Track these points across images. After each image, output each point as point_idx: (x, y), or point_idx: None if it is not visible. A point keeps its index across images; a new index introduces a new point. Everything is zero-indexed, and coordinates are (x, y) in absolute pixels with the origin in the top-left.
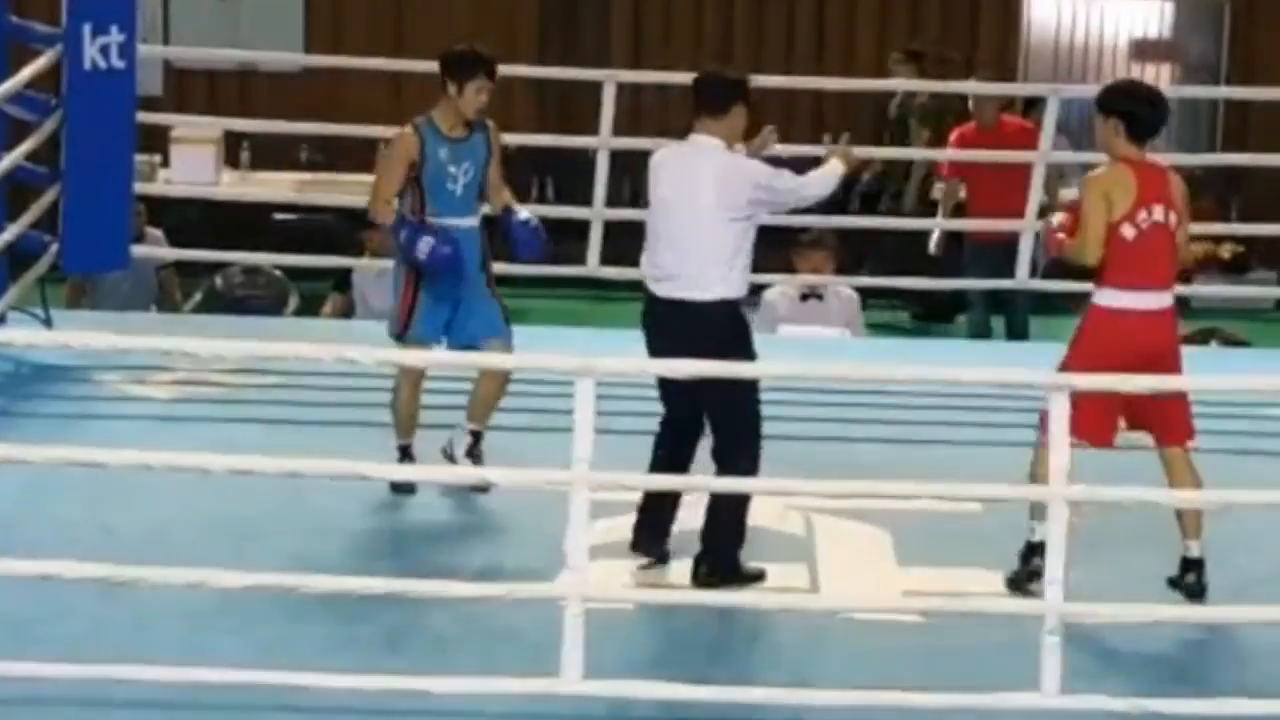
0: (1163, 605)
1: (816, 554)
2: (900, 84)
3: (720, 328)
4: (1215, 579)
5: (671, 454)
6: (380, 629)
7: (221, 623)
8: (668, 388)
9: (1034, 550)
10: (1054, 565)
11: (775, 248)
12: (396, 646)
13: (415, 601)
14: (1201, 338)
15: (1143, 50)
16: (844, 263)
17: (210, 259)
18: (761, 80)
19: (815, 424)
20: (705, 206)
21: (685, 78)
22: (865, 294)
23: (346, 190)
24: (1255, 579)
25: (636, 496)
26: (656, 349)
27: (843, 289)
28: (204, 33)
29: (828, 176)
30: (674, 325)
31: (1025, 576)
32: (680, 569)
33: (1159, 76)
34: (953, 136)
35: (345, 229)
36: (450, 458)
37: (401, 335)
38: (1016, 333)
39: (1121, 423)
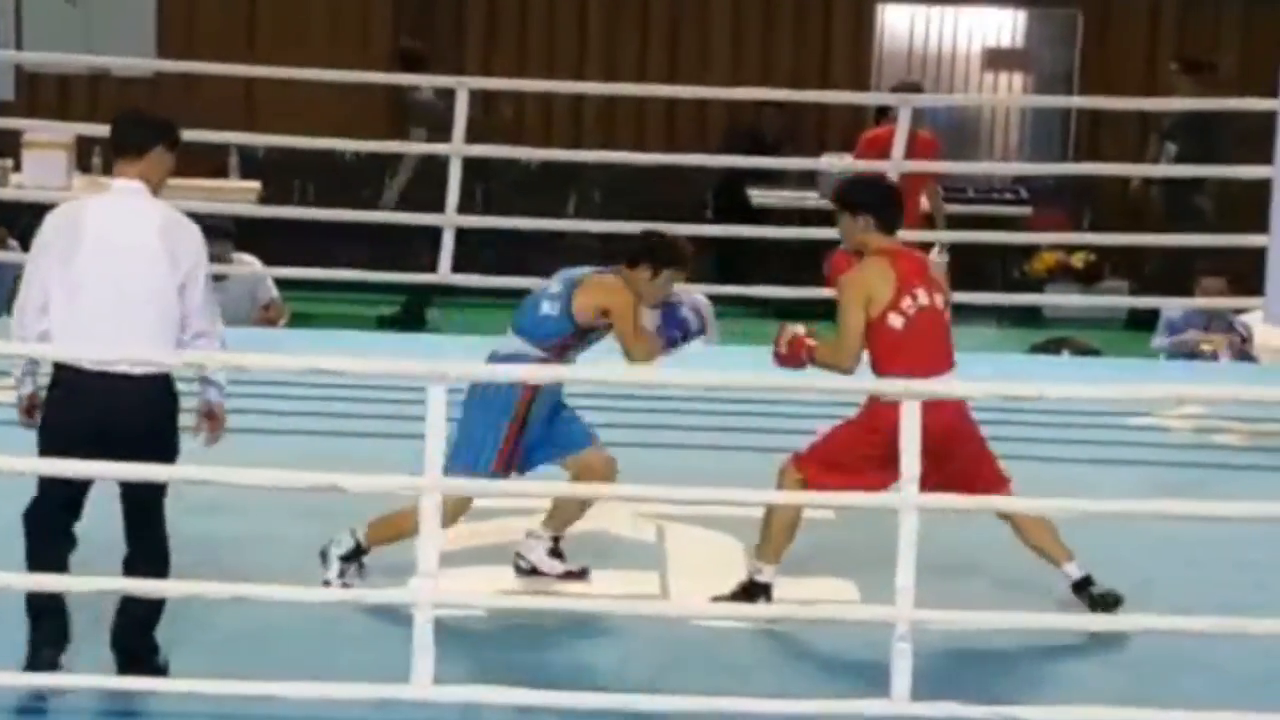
0: (1011, 613)
1: (668, 561)
2: (761, 93)
3: (160, 406)
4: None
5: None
6: (228, 633)
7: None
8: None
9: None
10: (904, 572)
11: None
12: (244, 651)
13: (264, 606)
14: (1053, 347)
15: (995, 59)
16: (698, 270)
17: None
18: (615, 88)
19: (666, 431)
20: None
21: (540, 85)
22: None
23: (197, 195)
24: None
25: (491, 503)
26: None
27: (697, 296)
28: (55, 37)
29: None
30: (103, 403)
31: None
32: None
33: (1011, 86)
34: (865, 138)
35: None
36: (530, 568)
37: (502, 474)
38: None
39: None
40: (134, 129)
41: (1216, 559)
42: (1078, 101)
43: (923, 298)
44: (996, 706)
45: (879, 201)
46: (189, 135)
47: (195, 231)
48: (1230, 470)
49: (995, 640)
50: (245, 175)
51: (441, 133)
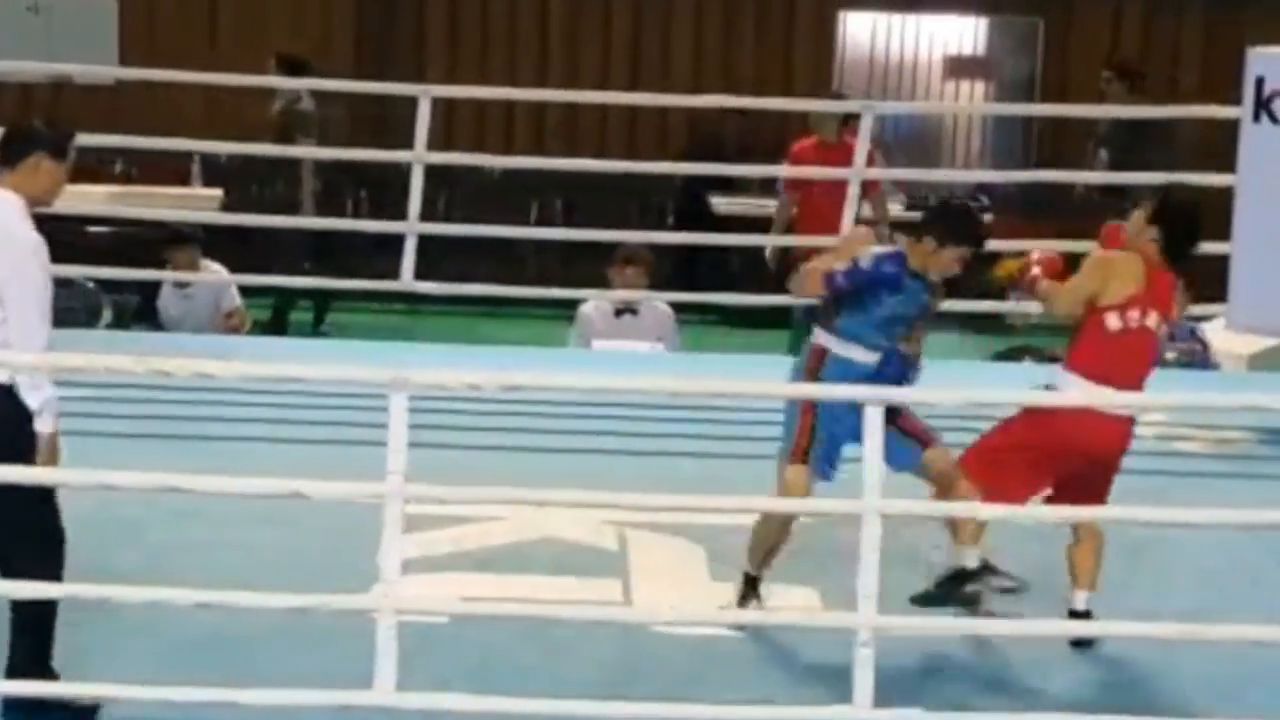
0: (974, 619)
1: (630, 568)
2: (722, 101)
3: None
4: (1036, 594)
5: None
6: (189, 639)
7: None
8: None
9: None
10: (866, 578)
11: (590, 262)
12: (205, 657)
13: (226, 612)
14: (1016, 355)
15: (957, 67)
16: (659, 278)
17: None
18: (577, 96)
19: (629, 438)
20: None
21: (501, 92)
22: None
23: (160, 203)
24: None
25: (453, 510)
26: None
27: (658, 304)
28: (16, 44)
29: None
30: None
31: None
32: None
33: (973, 94)
34: (795, 150)
35: (157, 242)
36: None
37: (801, 462)
38: None
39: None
40: (14, 139)
41: (1179, 565)
42: (1039, 109)
43: (1150, 319)
44: (960, 713)
45: (1179, 231)
46: (148, 143)
47: (14, 247)
48: (1193, 478)
49: (961, 646)
50: (208, 182)
51: (325, 139)
